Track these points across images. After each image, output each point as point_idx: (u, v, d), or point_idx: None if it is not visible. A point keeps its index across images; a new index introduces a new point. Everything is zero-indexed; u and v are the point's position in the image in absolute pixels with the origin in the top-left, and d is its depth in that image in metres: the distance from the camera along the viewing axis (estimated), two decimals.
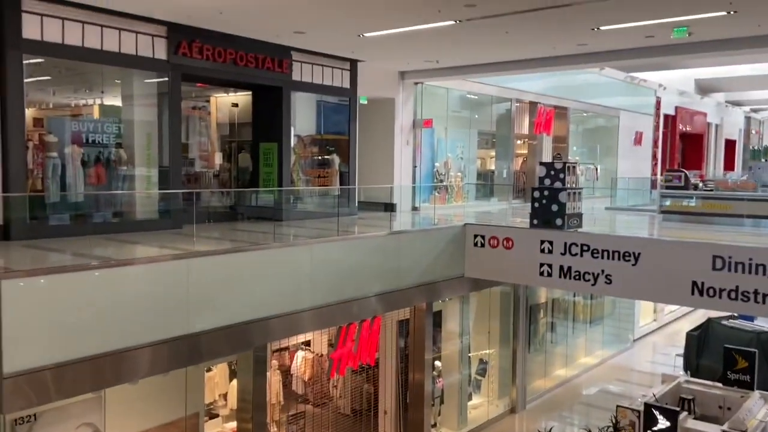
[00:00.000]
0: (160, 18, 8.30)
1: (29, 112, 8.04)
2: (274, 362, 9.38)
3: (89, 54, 7.82)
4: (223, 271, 6.45)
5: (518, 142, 16.80)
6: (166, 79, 8.75)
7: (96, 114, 9.46)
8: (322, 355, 9.68)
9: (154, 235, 8.06)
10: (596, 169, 19.17)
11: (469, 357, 11.88)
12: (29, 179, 7.62)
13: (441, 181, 14.23)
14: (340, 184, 11.66)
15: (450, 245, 9.35)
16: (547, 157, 16.30)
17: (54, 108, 10.20)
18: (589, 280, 8.38)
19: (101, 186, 8.37)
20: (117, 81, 9.37)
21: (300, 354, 9.67)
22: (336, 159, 11.71)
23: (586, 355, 15.60)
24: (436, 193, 14.18)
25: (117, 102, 9.43)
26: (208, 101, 11.77)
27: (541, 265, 8.72)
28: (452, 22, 8.38)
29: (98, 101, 9.75)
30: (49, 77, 9.00)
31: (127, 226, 8.39)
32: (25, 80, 7.33)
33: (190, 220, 8.88)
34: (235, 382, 8.26)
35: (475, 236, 9.38)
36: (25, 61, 7.28)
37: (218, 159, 11.65)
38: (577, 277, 8.47)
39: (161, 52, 8.54)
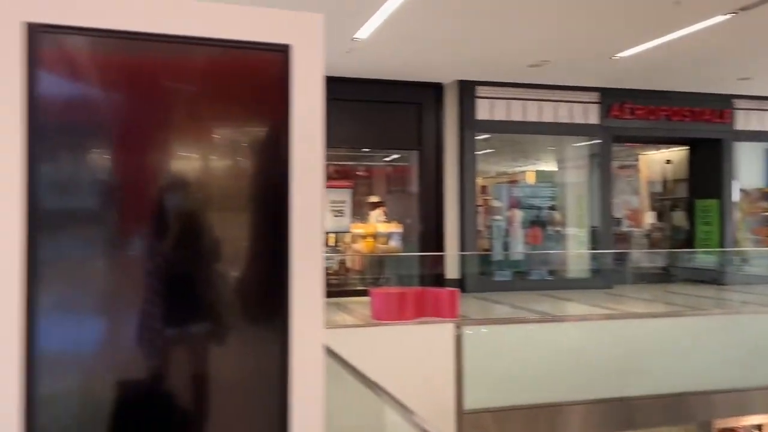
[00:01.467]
0: (594, 86, 8.69)
1: (478, 181, 9.32)
2: None
3: (529, 126, 8.70)
4: (657, 334, 6.13)
5: None
6: (597, 141, 9.02)
7: (531, 179, 10.36)
8: None
9: (584, 294, 8.23)
10: None
11: None
12: (478, 240, 8.77)
13: None
14: None
15: None
16: None
17: (496, 176, 11.59)
18: None
19: (537, 246, 9.05)
20: (550, 148, 10.12)
21: None
22: None
23: None
24: None
25: (550, 167, 10.16)
26: (637, 159, 11.58)
27: None
28: None
29: (533, 167, 10.67)
30: (492, 150, 10.31)
31: (559, 283, 8.80)
32: (475, 153, 8.58)
33: (621, 280, 8.87)
34: None
35: None
36: (476, 138, 8.54)
37: (648, 218, 11.27)
38: None
39: (593, 117, 8.88)
